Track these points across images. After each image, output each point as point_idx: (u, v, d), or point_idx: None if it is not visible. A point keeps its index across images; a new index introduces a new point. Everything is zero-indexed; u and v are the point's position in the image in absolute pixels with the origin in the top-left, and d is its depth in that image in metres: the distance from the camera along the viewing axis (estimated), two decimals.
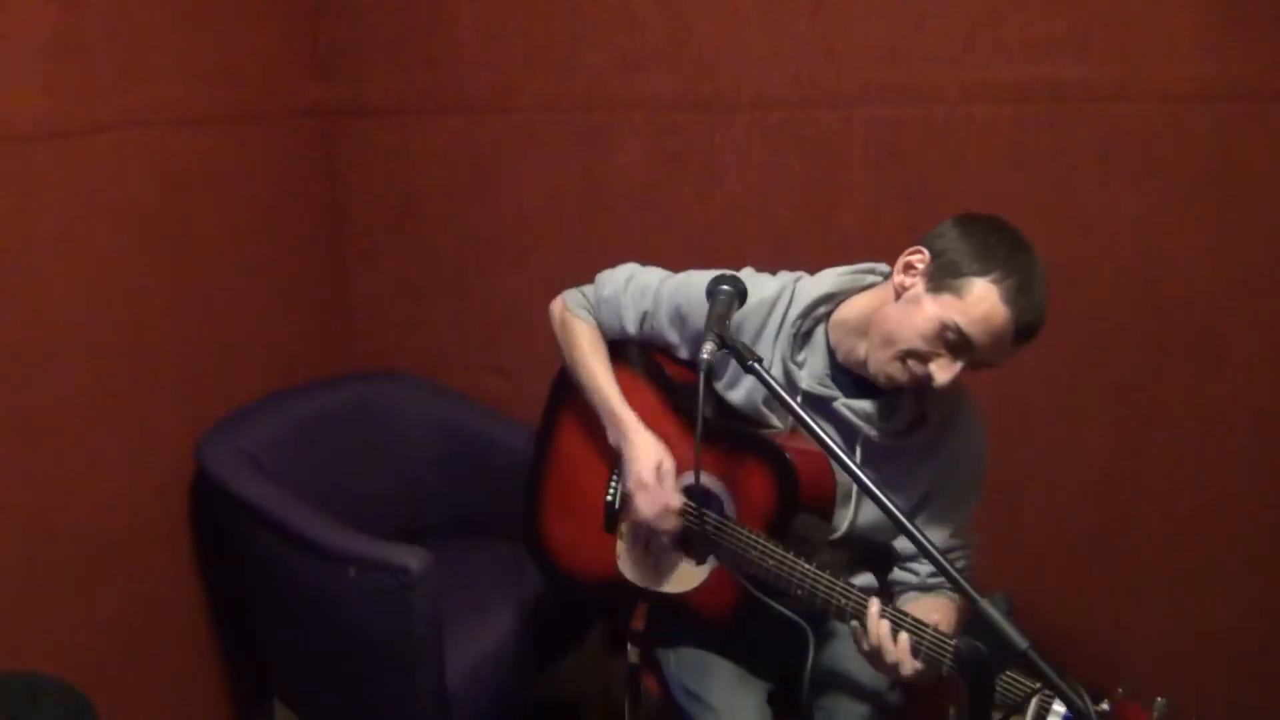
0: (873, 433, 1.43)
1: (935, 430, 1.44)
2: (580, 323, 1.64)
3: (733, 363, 1.49)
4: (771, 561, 1.40)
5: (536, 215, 2.26)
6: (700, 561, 1.52)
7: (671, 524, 1.49)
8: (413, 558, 1.67)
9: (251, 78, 2.12)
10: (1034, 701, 1.17)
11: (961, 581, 1.02)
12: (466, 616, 1.88)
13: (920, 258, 1.35)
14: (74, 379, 1.74)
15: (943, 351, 1.30)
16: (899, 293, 1.36)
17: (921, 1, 1.91)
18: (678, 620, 1.58)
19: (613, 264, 2.19)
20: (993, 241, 1.30)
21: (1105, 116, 1.88)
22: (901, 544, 1.50)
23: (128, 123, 1.82)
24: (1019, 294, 1.27)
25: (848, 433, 1.44)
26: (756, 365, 1.26)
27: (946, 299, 1.29)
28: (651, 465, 1.49)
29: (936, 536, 1.48)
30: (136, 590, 1.89)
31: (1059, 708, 1.15)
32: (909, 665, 1.27)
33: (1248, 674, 2.03)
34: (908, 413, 1.43)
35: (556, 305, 1.69)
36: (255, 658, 2.08)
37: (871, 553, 1.54)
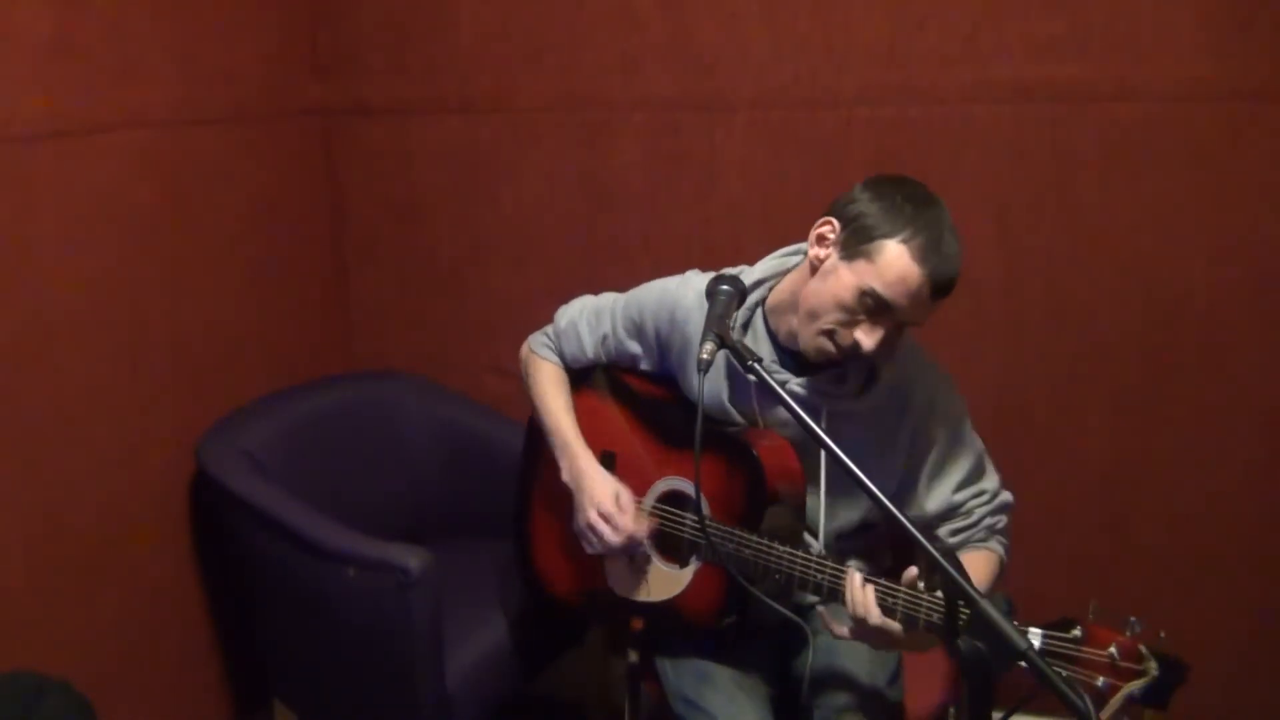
0: (832, 405, 1.43)
1: (890, 385, 1.44)
2: (543, 362, 1.69)
3: (690, 357, 1.50)
4: (748, 551, 1.41)
5: (536, 215, 2.26)
6: (683, 565, 1.53)
7: (641, 537, 1.52)
8: (413, 558, 1.67)
9: (251, 78, 2.12)
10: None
11: (961, 580, 1.02)
12: (466, 616, 1.88)
13: (830, 228, 1.37)
14: (74, 379, 1.74)
15: (864, 317, 1.32)
16: (815, 266, 1.38)
17: (921, 1, 1.91)
18: (672, 628, 1.59)
19: (612, 263, 2.21)
20: (898, 201, 1.31)
21: (1105, 116, 1.88)
22: (915, 509, 1.50)
23: (128, 123, 1.81)
24: (930, 251, 1.28)
25: (811, 410, 1.42)
26: (756, 365, 1.26)
27: (860, 265, 1.31)
28: (610, 496, 1.51)
29: (940, 494, 1.48)
30: (136, 590, 1.89)
31: (1033, 642, 1.17)
32: (891, 627, 1.28)
33: (1248, 673, 2.04)
34: (857, 375, 1.44)
35: (523, 349, 1.74)
36: (255, 658, 2.08)
37: (869, 543, 1.56)
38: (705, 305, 1.40)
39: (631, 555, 1.57)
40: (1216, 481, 1.98)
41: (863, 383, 1.45)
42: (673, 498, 1.55)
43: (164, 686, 1.98)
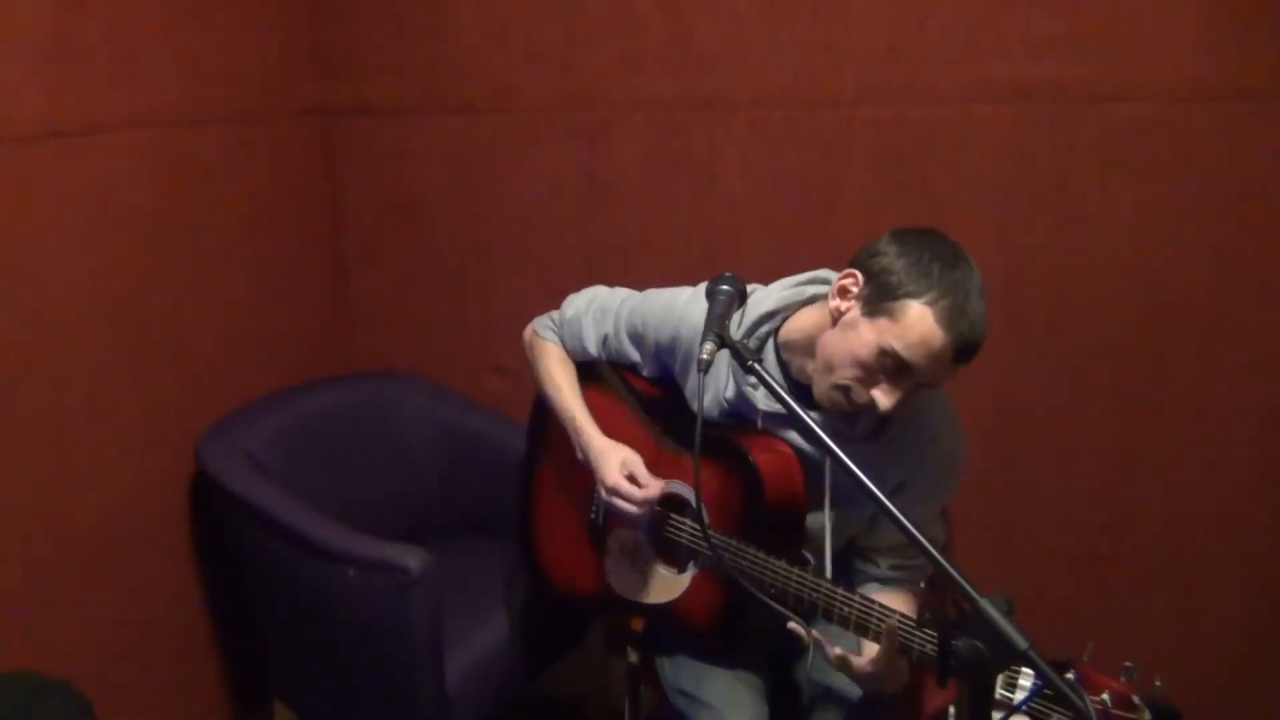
0: (839, 441, 1.37)
1: (900, 430, 1.42)
2: (547, 343, 1.69)
3: (693, 370, 1.48)
4: (745, 561, 1.39)
5: (536, 215, 2.26)
6: (681, 570, 1.53)
7: (655, 498, 1.49)
8: (412, 558, 1.67)
9: (251, 78, 2.12)
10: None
11: (961, 581, 1.02)
12: (466, 616, 1.88)
13: (853, 280, 1.33)
14: (74, 379, 1.74)
15: (882, 377, 1.28)
16: (835, 318, 1.34)
17: (921, 1, 1.91)
18: (669, 629, 1.59)
19: (612, 264, 2.22)
20: (926, 259, 1.27)
21: (1105, 116, 1.88)
22: (864, 538, 1.51)
23: (128, 123, 1.82)
24: (955, 315, 1.24)
25: (816, 443, 1.40)
26: (756, 365, 1.25)
27: (882, 323, 1.27)
28: (616, 465, 1.50)
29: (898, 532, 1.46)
30: (136, 590, 1.89)
31: (1025, 682, 1.17)
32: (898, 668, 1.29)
33: (1247, 673, 2.04)
34: (870, 418, 1.39)
35: (527, 332, 1.74)
36: (255, 658, 2.08)
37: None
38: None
39: (634, 556, 1.57)
40: (1217, 481, 1.98)
41: (874, 426, 1.41)
42: (672, 501, 1.55)
43: (164, 686, 1.98)
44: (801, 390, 1.42)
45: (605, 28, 2.10)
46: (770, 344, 1.46)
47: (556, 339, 1.69)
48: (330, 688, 1.94)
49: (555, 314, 1.70)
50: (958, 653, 1.01)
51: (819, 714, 1.50)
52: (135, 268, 1.85)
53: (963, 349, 1.26)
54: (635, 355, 1.61)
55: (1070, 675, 1.12)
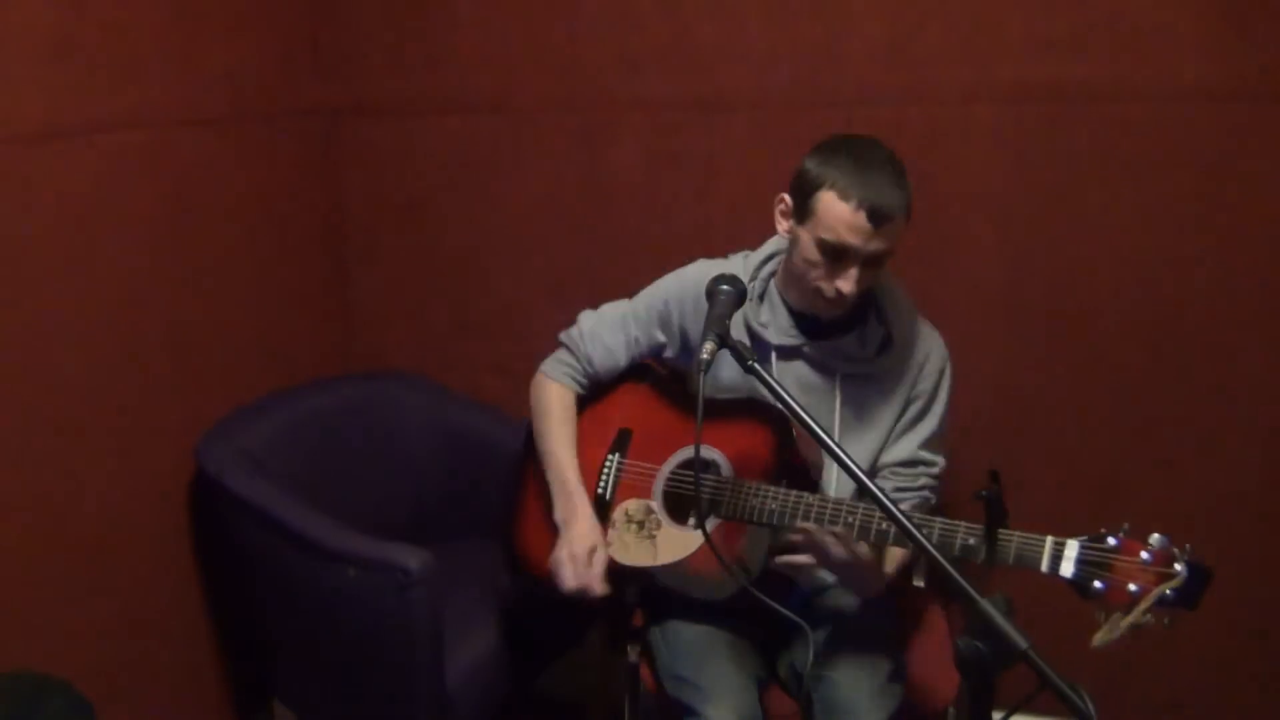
0: (848, 365, 1.55)
1: (901, 350, 1.56)
2: (553, 384, 1.74)
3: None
4: (774, 503, 1.47)
5: (536, 215, 2.26)
6: (698, 525, 1.57)
7: (596, 592, 1.57)
8: (413, 558, 1.67)
9: (251, 78, 2.12)
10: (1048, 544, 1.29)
11: (959, 579, 1.02)
12: (466, 616, 1.88)
13: (784, 204, 1.51)
14: (74, 378, 1.74)
15: (834, 265, 1.43)
16: (789, 241, 1.52)
17: (921, 1, 1.91)
18: (676, 591, 1.61)
19: (612, 263, 2.21)
20: (824, 157, 1.44)
21: (1105, 116, 1.88)
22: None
23: (128, 123, 1.81)
24: (854, 187, 1.39)
25: (826, 370, 1.56)
26: (755, 365, 1.27)
27: (810, 223, 1.44)
28: (588, 547, 1.58)
29: (905, 446, 1.58)
30: (136, 590, 1.89)
31: (1070, 552, 1.28)
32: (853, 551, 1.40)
33: (1247, 672, 2.04)
34: (874, 338, 1.56)
35: (536, 378, 1.78)
36: (255, 658, 2.08)
37: None
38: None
39: (643, 522, 1.62)
40: (1217, 482, 1.98)
41: (879, 345, 1.55)
42: (692, 464, 1.58)
43: (164, 686, 1.98)
44: (805, 320, 1.57)
45: (605, 28, 2.10)
46: (772, 284, 1.61)
47: (566, 378, 1.73)
48: (330, 688, 1.94)
49: (561, 354, 1.75)
50: (961, 652, 1.01)
51: (817, 709, 1.50)
52: (135, 268, 1.85)
53: (874, 212, 1.39)
54: (662, 337, 1.69)
55: (1112, 541, 1.26)
